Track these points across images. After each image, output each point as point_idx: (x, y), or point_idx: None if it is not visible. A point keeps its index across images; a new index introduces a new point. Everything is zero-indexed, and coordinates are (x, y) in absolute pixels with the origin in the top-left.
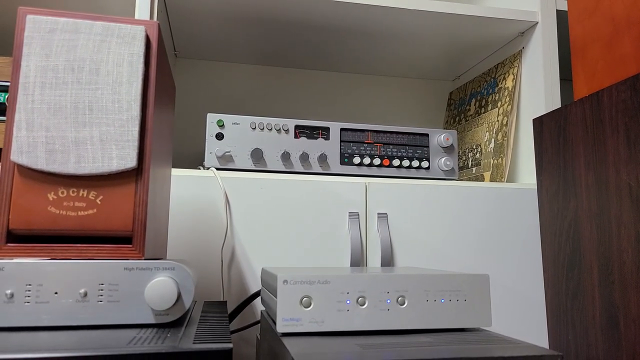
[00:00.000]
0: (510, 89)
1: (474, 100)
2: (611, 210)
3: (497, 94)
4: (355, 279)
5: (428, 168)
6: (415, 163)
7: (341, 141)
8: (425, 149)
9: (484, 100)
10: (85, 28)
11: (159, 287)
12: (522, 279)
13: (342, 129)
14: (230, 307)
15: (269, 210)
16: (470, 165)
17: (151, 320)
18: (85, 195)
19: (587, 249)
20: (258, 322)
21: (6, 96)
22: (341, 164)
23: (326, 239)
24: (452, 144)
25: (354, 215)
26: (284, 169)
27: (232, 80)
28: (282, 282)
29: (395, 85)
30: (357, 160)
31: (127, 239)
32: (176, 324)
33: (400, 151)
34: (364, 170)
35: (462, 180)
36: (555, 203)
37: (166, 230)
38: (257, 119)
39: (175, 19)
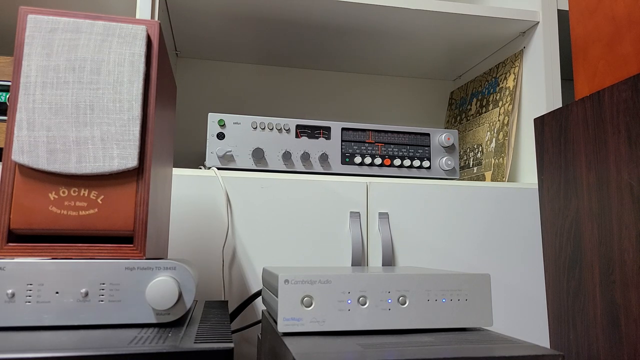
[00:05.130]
0: (511, 89)
1: (475, 100)
2: (612, 210)
3: (498, 94)
4: (356, 279)
5: (429, 168)
6: (417, 163)
7: (342, 141)
8: (426, 148)
9: (485, 99)
10: (86, 28)
11: (160, 286)
12: (523, 279)
13: (343, 129)
14: (231, 307)
15: (270, 210)
16: (471, 164)
17: (152, 319)
18: (86, 194)
19: (588, 248)
20: (259, 321)
21: (7, 96)
22: (342, 163)
23: (327, 239)
24: (453, 144)
25: (355, 215)
26: (285, 169)
27: (233, 80)
28: (283, 282)
29: (396, 84)
30: (358, 159)
31: (128, 238)
32: (177, 324)
33: (402, 151)
34: (365, 169)
35: (463, 179)
36: (556, 202)
37: (167, 230)
38: (258, 119)
39: (176, 19)
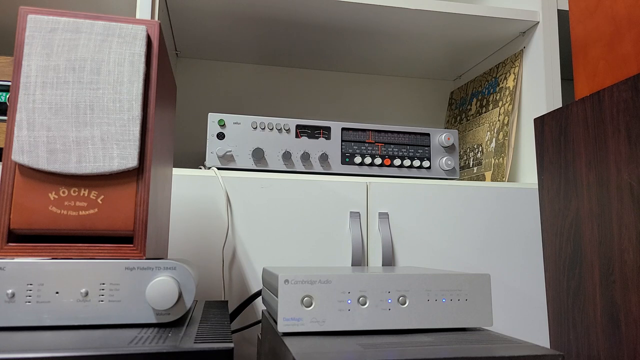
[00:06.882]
0: (511, 89)
1: (475, 100)
2: (612, 210)
3: (498, 94)
4: (356, 279)
5: (429, 168)
6: (417, 163)
7: (342, 141)
8: (426, 148)
9: (485, 99)
10: (86, 28)
11: (160, 286)
12: (523, 279)
13: (343, 129)
14: (231, 307)
15: (270, 210)
16: (471, 164)
17: (152, 319)
18: (86, 194)
19: (588, 248)
20: (259, 321)
21: (7, 96)
22: (342, 163)
23: (327, 239)
24: (453, 144)
25: (355, 215)
26: (285, 169)
27: (233, 80)
28: (283, 282)
29: (396, 84)
30: (358, 159)
31: (128, 238)
32: (177, 324)
33: (402, 151)
34: (365, 169)
35: (463, 179)
36: (556, 203)
37: (167, 230)
38: (258, 119)
39: (176, 19)
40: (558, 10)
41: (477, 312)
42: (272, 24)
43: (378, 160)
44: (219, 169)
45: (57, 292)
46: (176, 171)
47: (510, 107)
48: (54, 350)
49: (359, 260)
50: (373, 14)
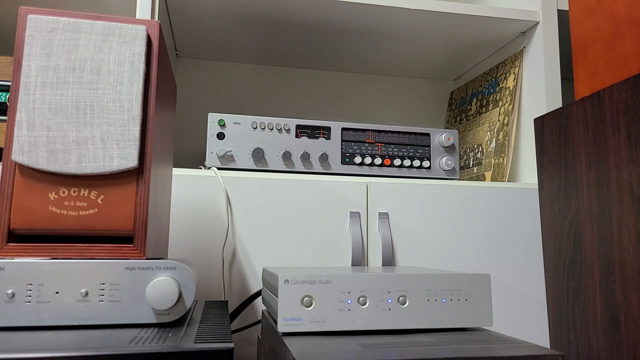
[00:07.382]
0: (511, 89)
1: (475, 100)
2: (612, 210)
3: (498, 94)
4: (356, 279)
5: (429, 168)
6: (417, 163)
7: (342, 141)
8: (426, 148)
9: (485, 99)
10: (86, 28)
11: (160, 286)
12: (523, 279)
13: (343, 129)
14: (231, 307)
15: (270, 210)
16: (471, 164)
17: (152, 319)
18: (86, 194)
19: (588, 248)
20: (259, 321)
21: (7, 96)
22: (342, 163)
23: (327, 239)
24: (453, 144)
25: (355, 215)
26: (285, 169)
27: (233, 80)
28: (283, 282)
29: (396, 84)
30: (358, 159)
31: (128, 238)
32: (177, 324)
33: (402, 151)
34: (365, 169)
35: (463, 179)
36: (556, 202)
37: (167, 230)
38: (258, 119)
39: (176, 19)
40: (558, 10)
41: (477, 312)
42: (272, 24)
43: (378, 160)
44: (219, 169)
45: (57, 292)
46: (176, 171)
47: (510, 107)
48: (54, 350)
49: (359, 260)
50: (373, 14)
